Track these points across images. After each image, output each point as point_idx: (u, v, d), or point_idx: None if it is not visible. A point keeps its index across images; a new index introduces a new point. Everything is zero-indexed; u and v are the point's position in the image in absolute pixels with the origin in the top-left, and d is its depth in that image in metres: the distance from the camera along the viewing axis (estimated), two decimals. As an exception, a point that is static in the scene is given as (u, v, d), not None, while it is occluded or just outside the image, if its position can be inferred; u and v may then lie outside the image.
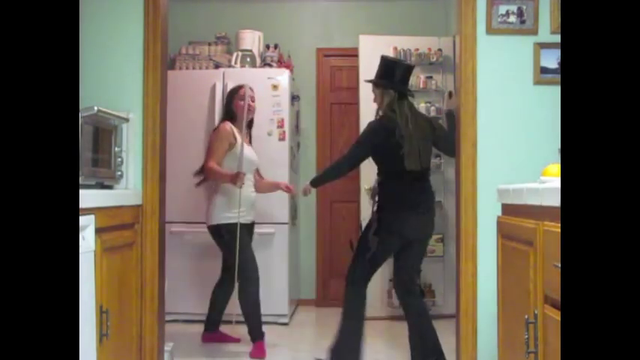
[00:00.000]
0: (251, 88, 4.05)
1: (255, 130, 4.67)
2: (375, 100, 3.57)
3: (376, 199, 3.47)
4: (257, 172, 4.17)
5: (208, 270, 4.63)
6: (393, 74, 3.42)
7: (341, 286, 5.17)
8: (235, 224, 3.87)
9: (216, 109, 4.73)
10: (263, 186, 4.18)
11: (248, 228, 4.01)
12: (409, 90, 3.48)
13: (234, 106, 4.03)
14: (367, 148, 3.45)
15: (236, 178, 3.77)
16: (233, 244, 3.86)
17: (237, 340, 4.16)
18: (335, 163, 3.76)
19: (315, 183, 3.72)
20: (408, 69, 3.52)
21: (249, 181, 3.97)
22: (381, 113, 3.48)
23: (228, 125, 3.95)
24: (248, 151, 3.94)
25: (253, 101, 4.07)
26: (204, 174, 3.95)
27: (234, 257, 3.86)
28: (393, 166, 3.40)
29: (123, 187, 3.04)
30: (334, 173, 3.71)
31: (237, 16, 5.59)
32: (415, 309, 3.42)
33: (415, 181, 3.43)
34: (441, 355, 3.34)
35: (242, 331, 4.18)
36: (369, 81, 3.59)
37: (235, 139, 3.90)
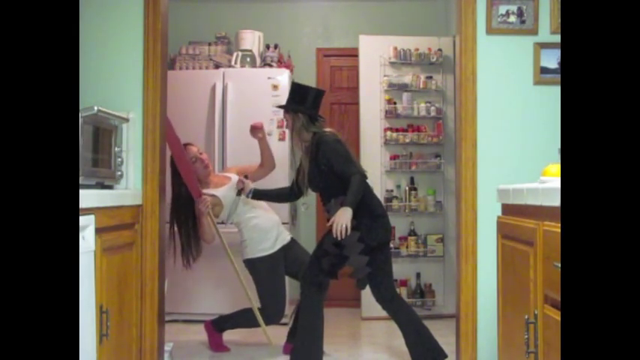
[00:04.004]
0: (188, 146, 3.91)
1: (255, 130, 4.65)
2: (286, 126, 3.65)
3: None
4: (242, 178, 3.91)
5: (208, 270, 4.63)
6: (304, 99, 3.48)
7: (340, 286, 5.16)
8: (268, 256, 3.86)
9: (216, 109, 4.73)
10: (258, 172, 4.04)
11: (285, 248, 3.95)
12: (320, 116, 3.52)
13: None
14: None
15: (201, 206, 3.75)
16: (264, 277, 3.84)
17: (227, 350, 4.00)
18: (356, 185, 3.27)
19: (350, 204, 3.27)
20: (319, 94, 3.55)
21: (257, 210, 3.93)
22: (314, 130, 3.44)
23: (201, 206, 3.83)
24: (222, 193, 3.89)
25: (201, 154, 3.96)
26: (205, 239, 3.92)
27: (264, 292, 3.84)
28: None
29: (123, 187, 3.04)
30: (361, 191, 3.37)
31: (237, 16, 5.58)
32: (403, 312, 3.39)
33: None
34: (439, 349, 3.33)
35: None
36: (280, 106, 3.61)
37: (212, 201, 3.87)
